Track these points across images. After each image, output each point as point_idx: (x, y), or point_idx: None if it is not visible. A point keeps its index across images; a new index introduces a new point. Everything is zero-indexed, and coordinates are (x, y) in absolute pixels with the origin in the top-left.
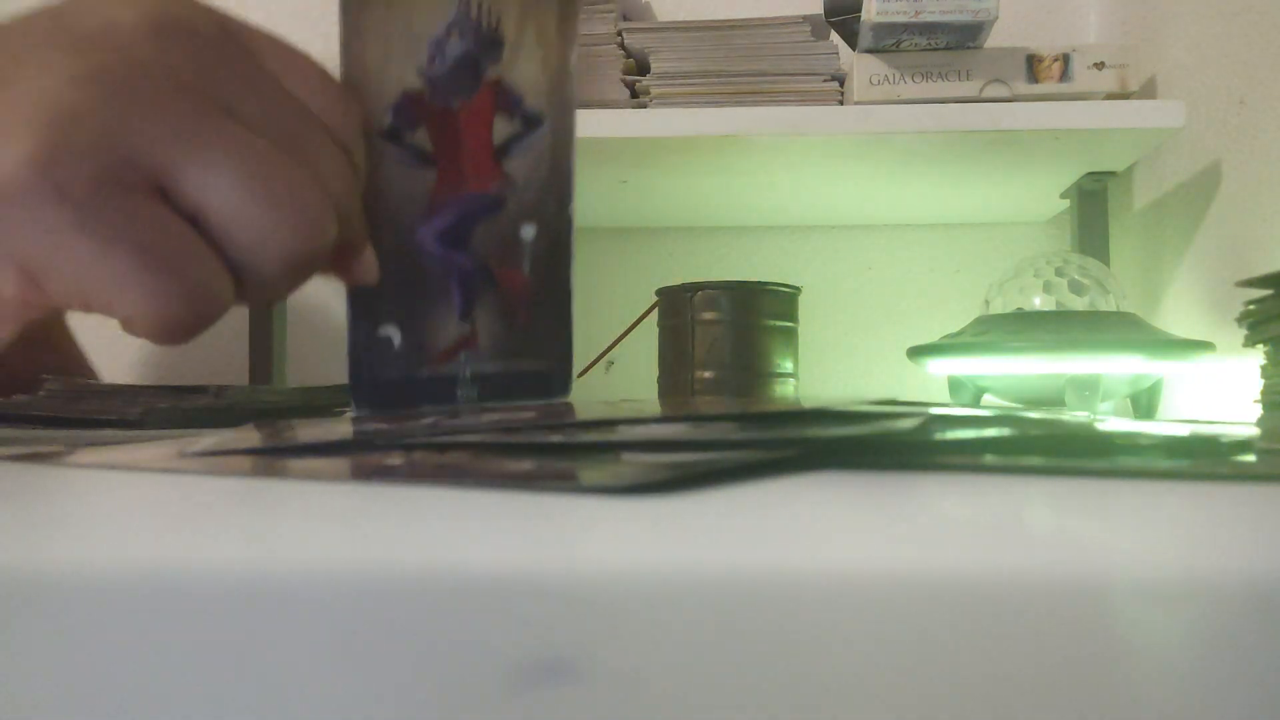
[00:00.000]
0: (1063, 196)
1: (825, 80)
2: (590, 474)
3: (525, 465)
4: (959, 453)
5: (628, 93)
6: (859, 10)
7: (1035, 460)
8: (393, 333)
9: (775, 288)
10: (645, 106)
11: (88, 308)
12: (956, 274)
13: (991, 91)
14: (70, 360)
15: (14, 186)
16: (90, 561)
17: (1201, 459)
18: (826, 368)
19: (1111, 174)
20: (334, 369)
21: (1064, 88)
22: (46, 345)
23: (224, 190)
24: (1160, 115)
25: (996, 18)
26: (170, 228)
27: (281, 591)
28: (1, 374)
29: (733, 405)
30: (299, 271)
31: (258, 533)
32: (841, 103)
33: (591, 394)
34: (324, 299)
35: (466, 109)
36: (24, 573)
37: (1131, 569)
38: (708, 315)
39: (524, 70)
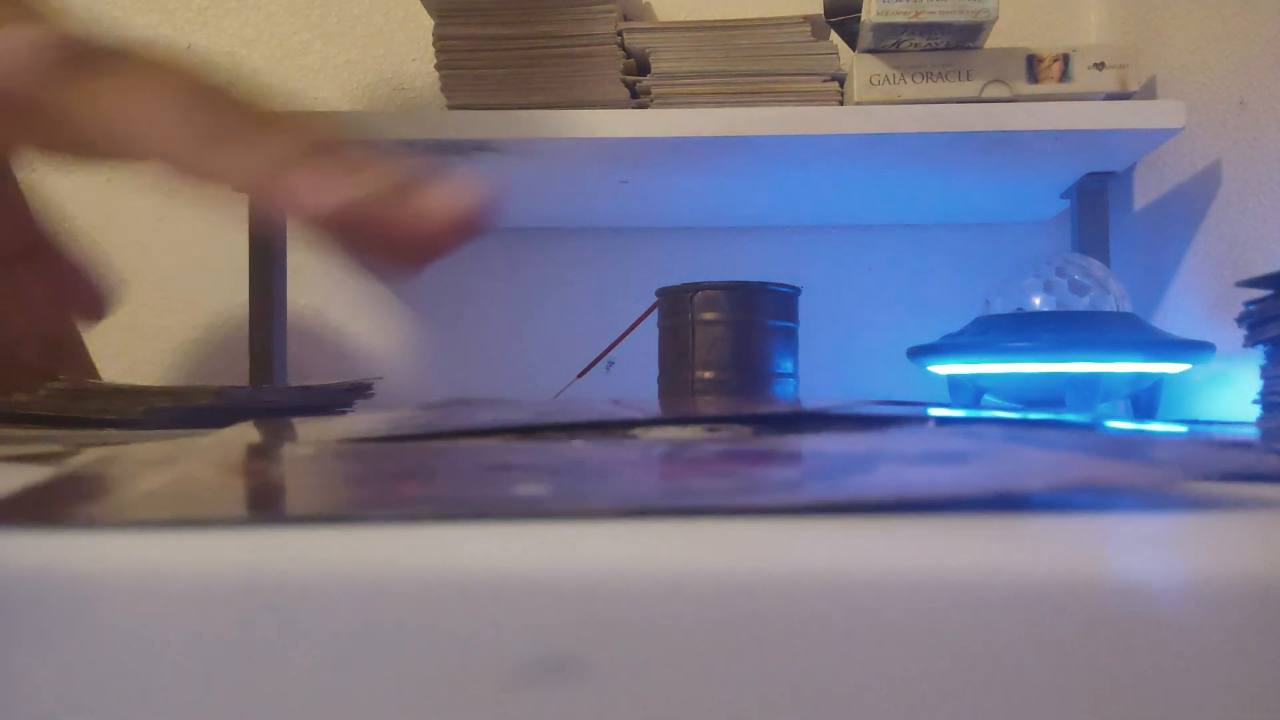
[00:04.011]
0: (1063, 196)
1: (825, 80)
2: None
3: (537, 489)
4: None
5: (628, 93)
6: (859, 10)
7: None
8: None
9: (775, 288)
10: (645, 106)
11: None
12: (956, 274)
13: (991, 91)
14: (84, 367)
15: None
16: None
17: None
18: (826, 368)
19: (1111, 174)
20: (334, 369)
21: (1064, 88)
22: (62, 351)
23: None
24: (1160, 115)
25: (996, 18)
26: None
27: (283, 590)
28: (18, 375)
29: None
30: None
31: (260, 533)
32: (841, 103)
33: (592, 394)
34: (320, 299)
35: None
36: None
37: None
38: (708, 315)
39: None
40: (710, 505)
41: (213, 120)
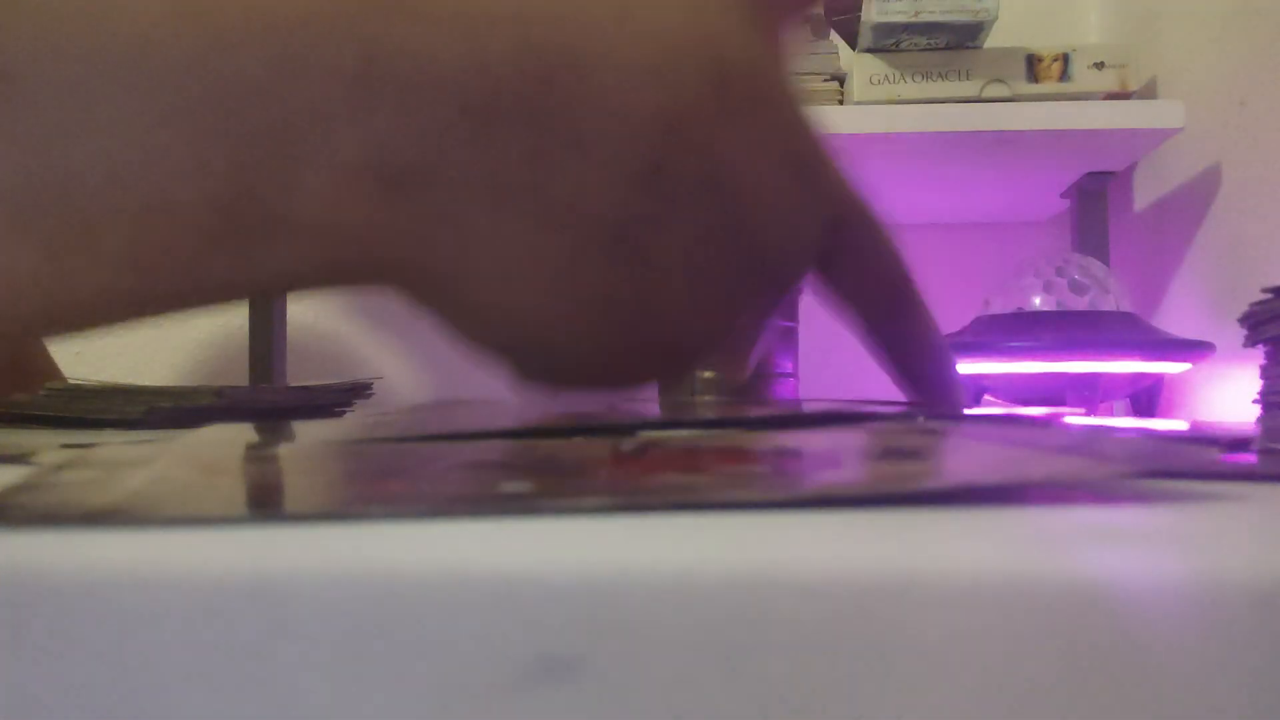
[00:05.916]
0: (1063, 196)
1: (825, 80)
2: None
3: (522, 486)
4: None
5: None
6: (859, 10)
7: None
8: None
9: None
10: None
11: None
12: (956, 274)
13: (991, 91)
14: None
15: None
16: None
17: None
18: (827, 368)
19: (1111, 174)
20: (334, 369)
21: (1064, 87)
22: (16, 365)
23: None
24: (1160, 115)
25: (996, 17)
26: None
27: (284, 590)
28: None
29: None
30: None
31: (259, 532)
32: (841, 102)
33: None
34: (320, 300)
35: None
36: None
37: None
38: None
39: None
40: (676, 501)
41: None
